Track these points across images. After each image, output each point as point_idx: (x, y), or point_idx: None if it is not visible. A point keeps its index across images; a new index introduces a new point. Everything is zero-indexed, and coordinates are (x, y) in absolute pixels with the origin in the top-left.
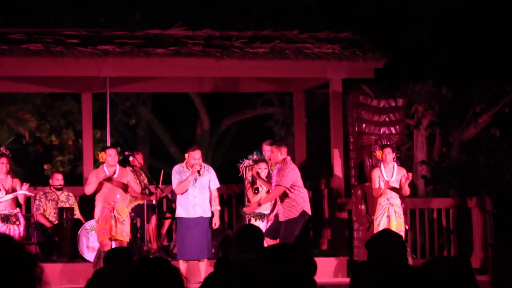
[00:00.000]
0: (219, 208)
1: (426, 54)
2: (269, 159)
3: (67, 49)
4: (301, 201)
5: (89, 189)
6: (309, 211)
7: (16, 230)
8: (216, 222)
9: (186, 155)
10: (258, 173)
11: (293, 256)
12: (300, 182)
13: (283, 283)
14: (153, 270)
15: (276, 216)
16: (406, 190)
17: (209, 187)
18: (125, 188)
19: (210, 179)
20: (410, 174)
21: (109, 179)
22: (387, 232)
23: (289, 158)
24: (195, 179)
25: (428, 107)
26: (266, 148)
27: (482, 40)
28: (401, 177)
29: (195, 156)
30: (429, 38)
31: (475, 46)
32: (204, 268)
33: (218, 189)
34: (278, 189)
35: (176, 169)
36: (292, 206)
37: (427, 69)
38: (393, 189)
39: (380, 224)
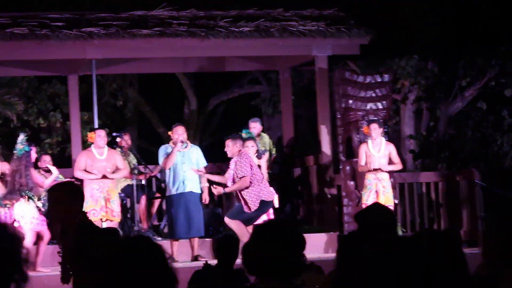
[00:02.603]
0: (207, 185)
1: (412, 29)
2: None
3: (52, 32)
4: (257, 191)
5: (81, 175)
6: (267, 198)
7: (7, 213)
8: (206, 198)
9: (170, 133)
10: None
11: (283, 233)
12: (256, 170)
13: (273, 259)
14: (134, 249)
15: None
16: (392, 168)
17: (197, 165)
18: (113, 169)
19: (197, 157)
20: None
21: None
22: (377, 205)
23: (243, 150)
24: (183, 155)
25: (414, 82)
26: (252, 126)
27: (467, 15)
28: (389, 152)
29: (178, 131)
30: (414, 13)
31: (460, 20)
32: (196, 247)
33: (206, 167)
34: (244, 180)
35: (162, 148)
36: (253, 197)
37: (412, 44)
38: (378, 169)
39: (368, 199)
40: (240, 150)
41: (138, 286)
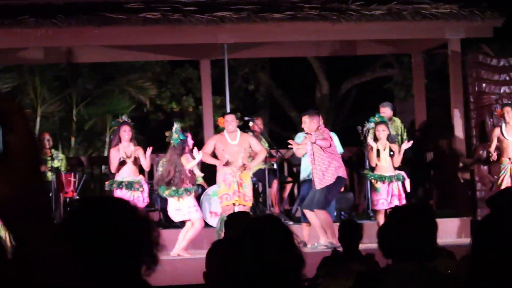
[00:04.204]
0: None
1: None
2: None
3: (184, 16)
4: (336, 166)
5: (203, 158)
6: (344, 175)
7: (139, 197)
8: None
9: None
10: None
11: (417, 216)
12: (334, 148)
13: (408, 242)
14: (262, 228)
15: (311, 188)
16: None
17: None
18: (246, 153)
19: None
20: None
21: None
22: (509, 189)
23: (322, 125)
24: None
25: None
26: (382, 111)
27: None
28: None
29: (305, 120)
30: None
31: None
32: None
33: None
34: (327, 140)
35: (299, 134)
36: (327, 172)
37: None
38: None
39: (502, 183)
40: (318, 127)
41: (265, 263)
